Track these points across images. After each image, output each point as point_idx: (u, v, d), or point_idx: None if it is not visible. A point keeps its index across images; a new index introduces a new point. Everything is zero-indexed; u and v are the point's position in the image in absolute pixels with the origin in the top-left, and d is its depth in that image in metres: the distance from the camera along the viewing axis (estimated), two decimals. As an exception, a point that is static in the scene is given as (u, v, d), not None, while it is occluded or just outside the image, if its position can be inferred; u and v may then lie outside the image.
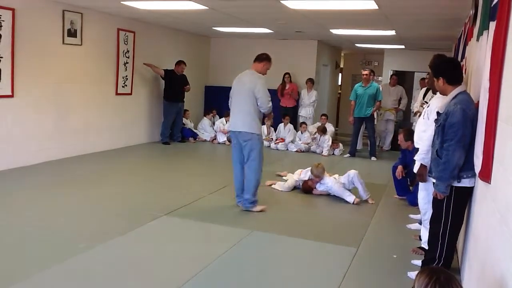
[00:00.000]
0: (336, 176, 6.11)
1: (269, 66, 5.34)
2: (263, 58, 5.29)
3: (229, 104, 5.38)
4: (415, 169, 3.96)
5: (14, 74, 6.44)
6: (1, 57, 6.22)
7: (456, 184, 3.21)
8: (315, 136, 9.66)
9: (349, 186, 5.90)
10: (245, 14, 7.38)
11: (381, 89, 9.25)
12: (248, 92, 5.07)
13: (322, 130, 9.53)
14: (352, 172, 5.90)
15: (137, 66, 9.05)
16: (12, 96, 6.47)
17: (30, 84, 6.74)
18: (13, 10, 6.30)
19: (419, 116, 5.22)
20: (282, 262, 3.93)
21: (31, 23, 6.65)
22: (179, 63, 9.53)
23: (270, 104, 5.17)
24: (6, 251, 3.79)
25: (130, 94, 8.99)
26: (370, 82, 8.97)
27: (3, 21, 6.17)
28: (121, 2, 6.74)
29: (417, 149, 3.97)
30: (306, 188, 6.12)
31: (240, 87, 5.18)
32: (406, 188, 5.99)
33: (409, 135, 5.24)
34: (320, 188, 6.04)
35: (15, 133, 6.58)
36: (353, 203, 5.70)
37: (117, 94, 8.64)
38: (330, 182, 5.90)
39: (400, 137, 5.66)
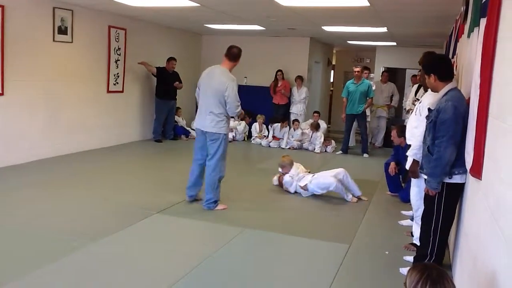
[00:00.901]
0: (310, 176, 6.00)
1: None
2: (237, 56, 5.13)
3: (196, 95, 5.27)
4: (407, 165, 3.97)
5: (4, 72, 6.38)
6: (-9, 55, 6.16)
7: (447, 180, 3.23)
8: (305, 131, 9.65)
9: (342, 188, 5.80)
10: (237, 11, 7.36)
11: (373, 86, 9.29)
12: (218, 93, 4.94)
13: (315, 127, 9.55)
14: (341, 173, 5.85)
15: (129, 64, 9.00)
16: (2, 94, 6.41)
17: (20, 82, 6.68)
18: (2, 7, 6.23)
19: (411, 113, 5.24)
20: (274, 260, 3.93)
21: (21, 20, 6.59)
22: (170, 60, 9.49)
23: (239, 109, 5.07)
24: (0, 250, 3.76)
25: (122, 91, 8.94)
26: (361, 79, 8.99)
27: (-8, 18, 6.12)
28: (112, -1, 6.70)
29: (409, 146, 3.99)
30: (280, 184, 6.12)
31: (210, 85, 5.02)
32: (399, 185, 6.02)
33: (402, 131, 5.26)
34: (293, 189, 5.96)
35: (5, 132, 6.53)
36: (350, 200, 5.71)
37: (108, 92, 8.58)
38: (311, 184, 5.84)
39: (393, 133, 5.68)
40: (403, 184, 5.96)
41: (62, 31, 7.35)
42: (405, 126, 4.76)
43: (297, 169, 6.04)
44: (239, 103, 5.04)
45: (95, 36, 8.10)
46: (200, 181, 5.31)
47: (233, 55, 5.12)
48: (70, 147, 7.70)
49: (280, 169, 6.14)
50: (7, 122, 6.55)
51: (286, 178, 5.96)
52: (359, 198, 5.83)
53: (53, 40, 7.21)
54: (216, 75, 5.04)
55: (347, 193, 5.76)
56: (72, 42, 7.56)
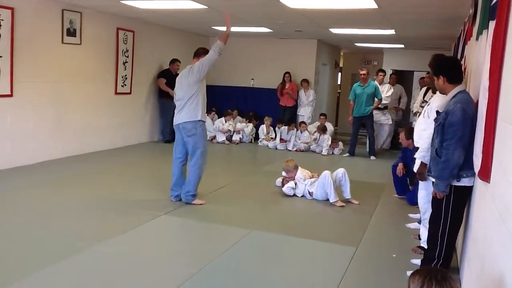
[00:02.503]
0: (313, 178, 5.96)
1: None
2: (199, 53, 5.39)
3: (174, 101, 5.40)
4: (415, 167, 3.96)
5: (13, 73, 6.43)
6: (0, 56, 6.21)
7: (455, 183, 3.21)
8: (315, 136, 9.64)
9: (335, 184, 5.74)
10: (245, 13, 7.37)
11: (380, 87, 9.27)
12: (187, 82, 5.15)
13: (322, 129, 9.55)
14: (341, 170, 5.80)
15: (137, 66, 9.04)
16: (11, 95, 6.46)
17: (29, 84, 6.73)
18: (12, 9, 6.29)
19: (419, 115, 5.23)
20: (281, 262, 3.93)
21: (31, 22, 6.65)
22: (174, 61, 9.51)
23: (214, 56, 5.28)
24: (4, 251, 3.79)
25: (130, 93, 8.98)
26: (368, 81, 8.97)
27: (2, 20, 6.16)
28: (121, 1, 6.73)
29: (417, 148, 3.98)
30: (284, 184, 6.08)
31: (180, 83, 5.25)
32: (406, 187, 5.99)
33: (410, 133, 5.24)
34: (300, 193, 5.91)
35: (14, 132, 6.58)
36: (333, 202, 5.58)
37: (116, 93, 8.63)
38: (309, 187, 5.81)
39: (401, 135, 5.65)
40: (410, 187, 5.93)
41: (71, 33, 7.40)
42: (413, 128, 4.75)
43: (303, 172, 6.02)
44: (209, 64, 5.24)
45: (103, 38, 8.15)
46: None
47: (197, 52, 5.47)
48: (77, 148, 7.74)
49: (284, 174, 6.12)
50: (15, 123, 6.60)
51: (285, 188, 5.90)
52: (348, 201, 5.72)
53: (62, 42, 7.26)
54: (183, 73, 5.34)
55: (335, 195, 5.60)
56: (80, 44, 7.61)
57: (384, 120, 9.80)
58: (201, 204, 5.29)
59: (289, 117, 10.39)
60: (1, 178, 5.98)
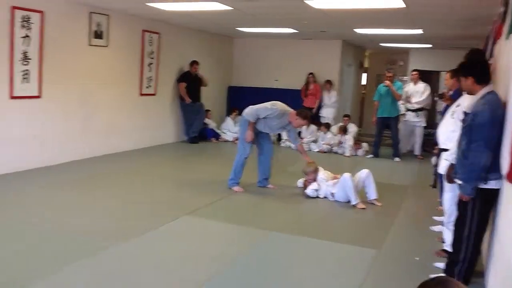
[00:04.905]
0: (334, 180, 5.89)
1: None
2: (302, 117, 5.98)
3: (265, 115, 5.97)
4: (443, 169, 3.88)
5: (42, 75, 6.58)
6: (30, 59, 6.36)
7: (482, 186, 3.14)
8: (340, 139, 9.51)
9: (359, 186, 5.70)
10: (269, 14, 7.37)
11: (404, 88, 9.14)
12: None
13: (343, 130, 9.47)
14: (365, 171, 5.73)
15: (161, 67, 9.14)
16: (39, 97, 6.61)
17: (57, 85, 6.88)
18: (42, 12, 6.44)
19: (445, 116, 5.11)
20: (300, 263, 3.91)
21: (59, 25, 6.79)
22: (193, 63, 9.58)
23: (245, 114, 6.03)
24: (28, 249, 3.86)
25: (154, 94, 9.09)
26: (393, 82, 8.86)
27: (32, 23, 6.31)
28: (146, 4, 6.82)
29: (441, 149, 3.90)
30: (305, 187, 6.02)
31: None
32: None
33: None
34: (322, 194, 5.86)
35: (42, 133, 6.73)
36: (354, 205, 5.51)
37: (141, 94, 8.74)
38: (331, 188, 5.76)
39: (447, 76, 5.32)
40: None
41: (98, 35, 7.53)
42: None
43: (325, 173, 5.98)
44: (249, 113, 5.93)
45: (129, 40, 8.27)
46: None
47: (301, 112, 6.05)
48: (104, 149, 7.87)
49: (305, 176, 6.08)
50: (43, 124, 6.75)
51: (308, 191, 5.85)
52: (371, 203, 5.66)
53: (89, 44, 7.39)
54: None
55: (356, 197, 5.53)
56: (107, 46, 7.75)
57: (417, 122, 9.37)
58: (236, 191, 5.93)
59: (312, 119, 10.33)
60: (29, 178, 6.13)
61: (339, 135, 9.54)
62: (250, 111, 5.93)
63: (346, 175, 5.65)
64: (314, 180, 5.93)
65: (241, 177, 6.08)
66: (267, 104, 5.92)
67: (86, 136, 7.52)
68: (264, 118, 5.90)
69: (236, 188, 5.99)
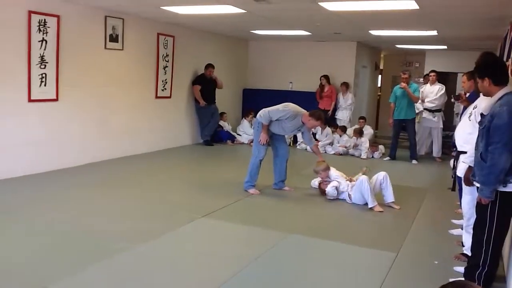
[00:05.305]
0: (352, 182, 5.85)
1: None
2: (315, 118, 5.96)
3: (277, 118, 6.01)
4: (461, 172, 3.82)
5: (59, 78, 6.66)
6: (47, 62, 6.44)
7: (501, 188, 3.09)
8: (356, 142, 9.46)
9: (376, 189, 5.65)
10: (283, 16, 7.37)
11: (420, 89, 9.05)
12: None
13: (359, 133, 9.42)
14: (382, 173, 5.68)
15: (176, 70, 9.19)
16: (56, 100, 6.69)
17: (73, 88, 6.95)
18: (58, 17, 6.52)
19: (461, 117, 5.04)
20: (318, 266, 3.88)
21: (75, 29, 6.87)
22: (208, 66, 9.61)
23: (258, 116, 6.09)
24: (47, 250, 3.91)
25: (169, 97, 9.13)
26: (409, 84, 8.77)
27: (49, 27, 6.40)
28: (161, 8, 6.86)
29: (460, 152, 3.85)
30: (321, 191, 6.02)
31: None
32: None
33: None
34: (341, 196, 5.83)
35: (59, 135, 6.80)
36: (372, 207, 5.46)
37: (156, 97, 8.79)
38: (348, 189, 5.72)
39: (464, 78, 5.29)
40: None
41: (113, 38, 7.60)
42: None
43: (336, 172, 5.98)
44: (262, 116, 5.98)
45: (144, 44, 8.33)
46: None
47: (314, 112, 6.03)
48: (120, 151, 7.92)
49: (317, 175, 6.09)
50: (60, 127, 6.82)
51: (329, 189, 5.82)
52: (389, 205, 5.60)
53: (105, 48, 7.46)
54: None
55: (373, 200, 5.49)
56: (122, 49, 7.81)
57: (434, 123, 9.23)
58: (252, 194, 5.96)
59: (328, 121, 10.28)
60: (47, 180, 6.20)
61: (354, 138, 9.48)
62: (263, 113, 5.95)
63: (363, 177, 5.61)
64: (327, 177, 5.92)
65: (257, 180, 6.08)
66: (279, 106, 5.92)
67: (103, 139, 7.58)
68: (277, 120, 5.89)
69: (252, 191, 5.99)
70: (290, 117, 5.87)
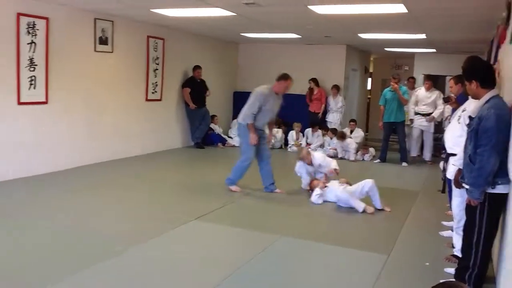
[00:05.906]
0: (345, 185, 5.91)
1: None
2: (280, 78, 6.06)
3: (255, 109, 6.03)
4: (451, 174, 3.86)
5: (48, 81, 6.61)
6: (36, 65, 6.40)
7: (490, 190, 3.12)
8: (341, 145, 9.39)
9: (359, 195, 5.67)
10: (273, 19, 7.39)
11: (415, 92, 9.12)
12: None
13: (341, 136, 9.33)
14: (369, 182, 5.67)
15: (167, 72, 9.17)
16: (46, 102, 6.64)
17: (63, 91, 6.91)
18: (47, 19, 6.48)
19: (448, 120, 5.08)
20: (310, 269, 3.89)
21: (64, 32, 6.83)
22: (196, 68, 9.59)
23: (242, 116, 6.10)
24: (41, 253, 3.88)
25: (160, 100, 9.11)
26: (399, 87, 8.81)
27: (38, 30, 6.35)
28: (151, 10, 6.85)
29: (450, 154, 3.88)
30: (312, 187, 6.07)
31: (276, 104, 6.22)
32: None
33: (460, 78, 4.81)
34: (329, 198, 5.85)
35: (49, 139, 6.75)
36: (362, 211, 5.47)
37: (147, 100, 8.76)
38: (338, 191, 5.71)
39: (451, 82, 5.33)
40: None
41: (103, 41, 7.57)
42: None
43: (319, 153, 6.42)
44: (245, 117, 5.99)
45: (134, 46, 8.31)
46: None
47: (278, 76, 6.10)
48: (110, 154, 7.89)
49: (301, 161, 6.39)
50: (50, 130, 6.77)
51: (314, 198, 5.83)
52: (380, 209, 5.61)
53: (94, 50, 7.43)
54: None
55: (360, 205, 5.49)
56: (112, 52, 7.78)
57: (425, 127, 9.18)
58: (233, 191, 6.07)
59: (318, 123, 10.31)
60: (37, 183, 6.16)
61: (338, 141, 9.38)
62: (244, 115, 6.00)
63: (339, 193, 5.66)
64: (312, 161, 6.26)
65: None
66: (251, 98, 6.02)
67: (93, 141, 7.54)
68: (260, 110, 5.93)
69: (233, 188, 6.09)
70: (266, 97, 5.94)
